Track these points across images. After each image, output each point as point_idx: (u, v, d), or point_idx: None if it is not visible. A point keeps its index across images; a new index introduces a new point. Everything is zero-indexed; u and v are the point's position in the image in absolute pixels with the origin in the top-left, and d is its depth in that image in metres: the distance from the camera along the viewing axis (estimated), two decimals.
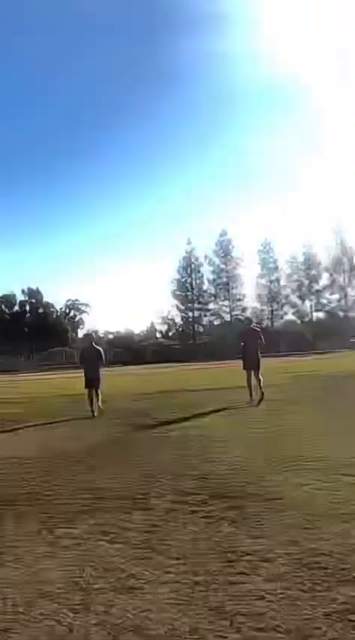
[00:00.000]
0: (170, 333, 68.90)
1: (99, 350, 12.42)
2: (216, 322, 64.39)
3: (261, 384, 12.01)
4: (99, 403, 11.75)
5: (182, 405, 12.24)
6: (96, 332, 12.66)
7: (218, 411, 10.88)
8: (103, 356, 12.43)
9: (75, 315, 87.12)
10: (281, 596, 2.97)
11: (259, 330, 13.35)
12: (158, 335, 73.16)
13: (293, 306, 64.51)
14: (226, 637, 2.60)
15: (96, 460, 6.83)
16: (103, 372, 12.43)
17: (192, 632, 2.66)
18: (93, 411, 11.40)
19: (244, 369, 12.39)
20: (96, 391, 11.86)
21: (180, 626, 2.73)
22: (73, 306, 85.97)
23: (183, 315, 63.71)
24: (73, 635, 2.71)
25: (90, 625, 2.80)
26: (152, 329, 78.43)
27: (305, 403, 10.98)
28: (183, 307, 63.07)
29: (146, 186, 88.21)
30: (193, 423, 9.48)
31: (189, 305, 62.68)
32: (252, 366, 12.21)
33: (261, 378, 12.10)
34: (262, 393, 11.78)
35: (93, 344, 12.78)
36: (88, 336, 13.63)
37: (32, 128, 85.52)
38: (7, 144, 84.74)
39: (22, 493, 5.40)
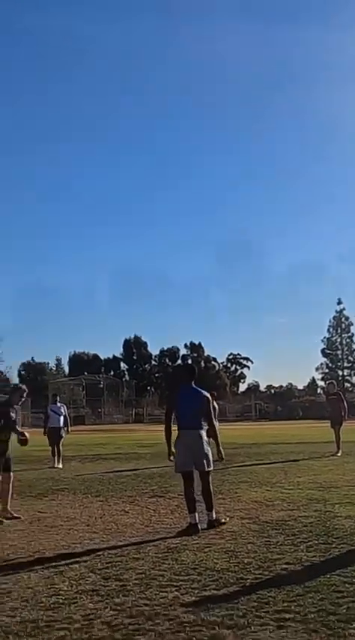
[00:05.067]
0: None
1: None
2: None
3: (340, 441, 15.18)
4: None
5: (257, 453, 15.95)
6: None
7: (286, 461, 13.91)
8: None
9: (236, 369, 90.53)
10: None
11: (340, 394, 16.71)
12: (319, 391, 73.56)
13: None
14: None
15: None
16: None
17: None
18: None
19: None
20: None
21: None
22: (235, 360, 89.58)
23: (333, 373, 64.56)
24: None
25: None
26: (313, 385, 78.57)
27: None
28: (332, 365, 64.13)
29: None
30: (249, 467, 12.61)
31: (339, 364, 63.56)
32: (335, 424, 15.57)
33: (340, 435, 15.28)
34: (338, 447, 15.03)
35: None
36: None
37: None
38: None
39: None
